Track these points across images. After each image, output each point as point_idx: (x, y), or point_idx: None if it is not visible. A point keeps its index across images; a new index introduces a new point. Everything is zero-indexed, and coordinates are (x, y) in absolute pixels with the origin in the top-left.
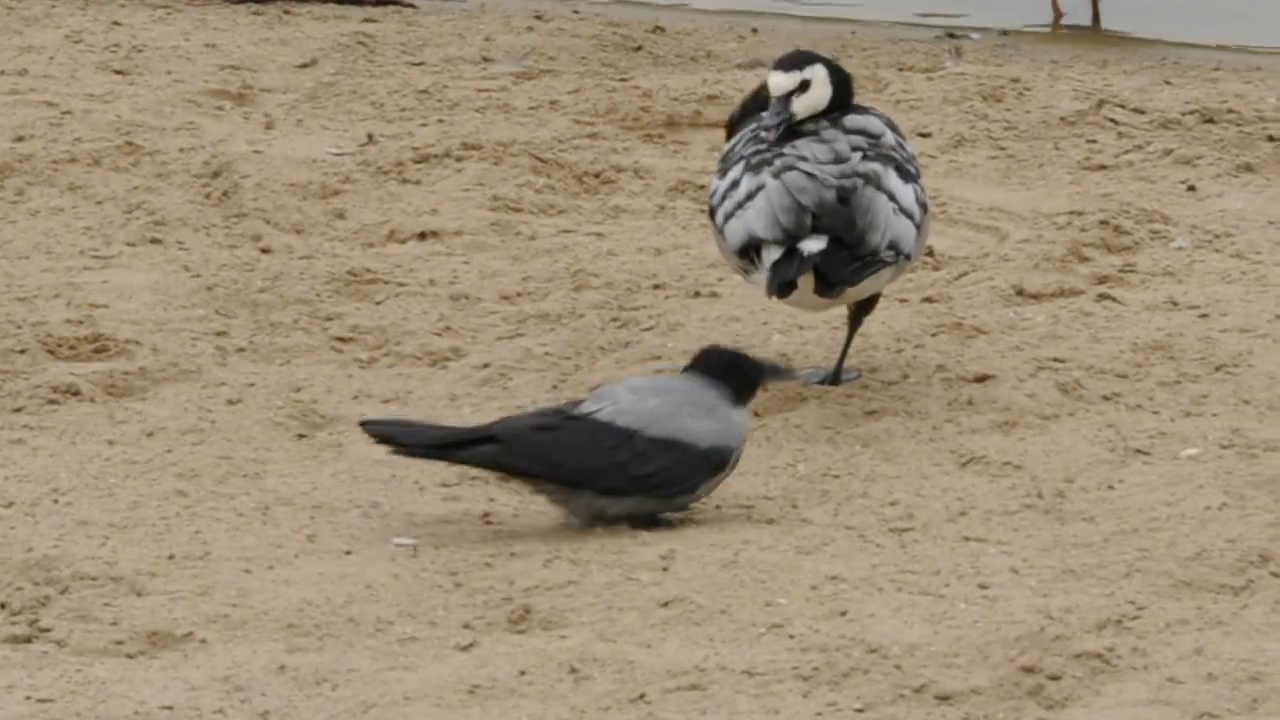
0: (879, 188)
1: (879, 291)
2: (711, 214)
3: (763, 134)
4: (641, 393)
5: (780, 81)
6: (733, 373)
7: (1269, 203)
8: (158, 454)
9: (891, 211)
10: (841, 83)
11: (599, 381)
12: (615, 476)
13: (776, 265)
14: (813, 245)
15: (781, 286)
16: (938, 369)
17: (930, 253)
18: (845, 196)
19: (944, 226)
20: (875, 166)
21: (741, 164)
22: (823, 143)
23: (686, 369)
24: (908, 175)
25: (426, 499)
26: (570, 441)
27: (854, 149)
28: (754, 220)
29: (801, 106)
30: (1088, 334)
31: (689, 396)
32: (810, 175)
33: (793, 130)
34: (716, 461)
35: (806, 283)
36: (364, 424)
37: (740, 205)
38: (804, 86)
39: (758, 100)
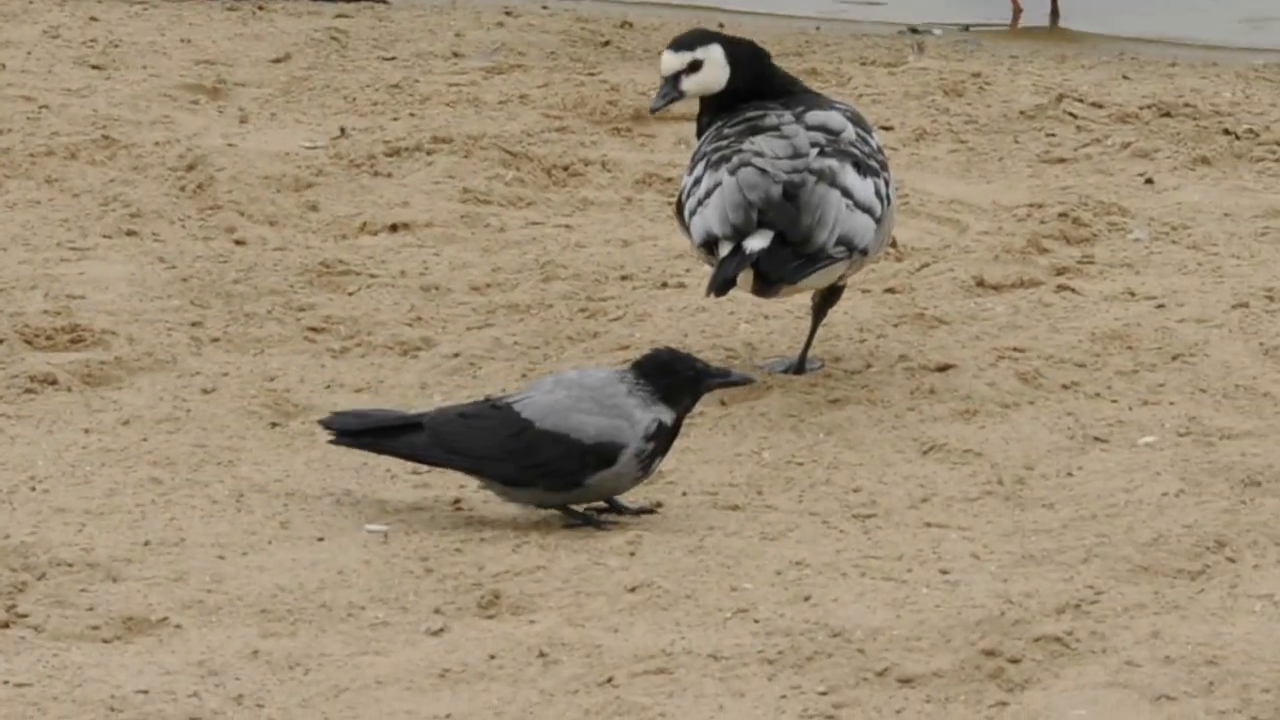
0: (833, 184)
1: (841, 284)
2: (680, 209)
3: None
4: (559, 385)
5: (668, 61)
6: (662, 374)
7: (1225, 195)
8: (133, 442)
9: (845, 207)
10: (745, 61)
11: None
12: (507, 466)
13: (722, 262)
14: (756, 243)
15: (722, 284)
16: (900, 358)
17: (893, 244)
18: (793, 192)
19: (906, 218)
20: (831, 163)
21: (704, 161)
22: (783, 138)
23: (632, 365)
24: (868, 170)
25: (398, 486)
26: (479, 429)
27: (812, 145)
28: (711, 217)
29: (692, 85)
30: (1047, 324)
31: (596, 392)
32: (763, 171)
33: (755, 127)
34: (602, 456)
35: (747, 279)
36: (322, 422)
37: (701, 202)
38: (694, 66)
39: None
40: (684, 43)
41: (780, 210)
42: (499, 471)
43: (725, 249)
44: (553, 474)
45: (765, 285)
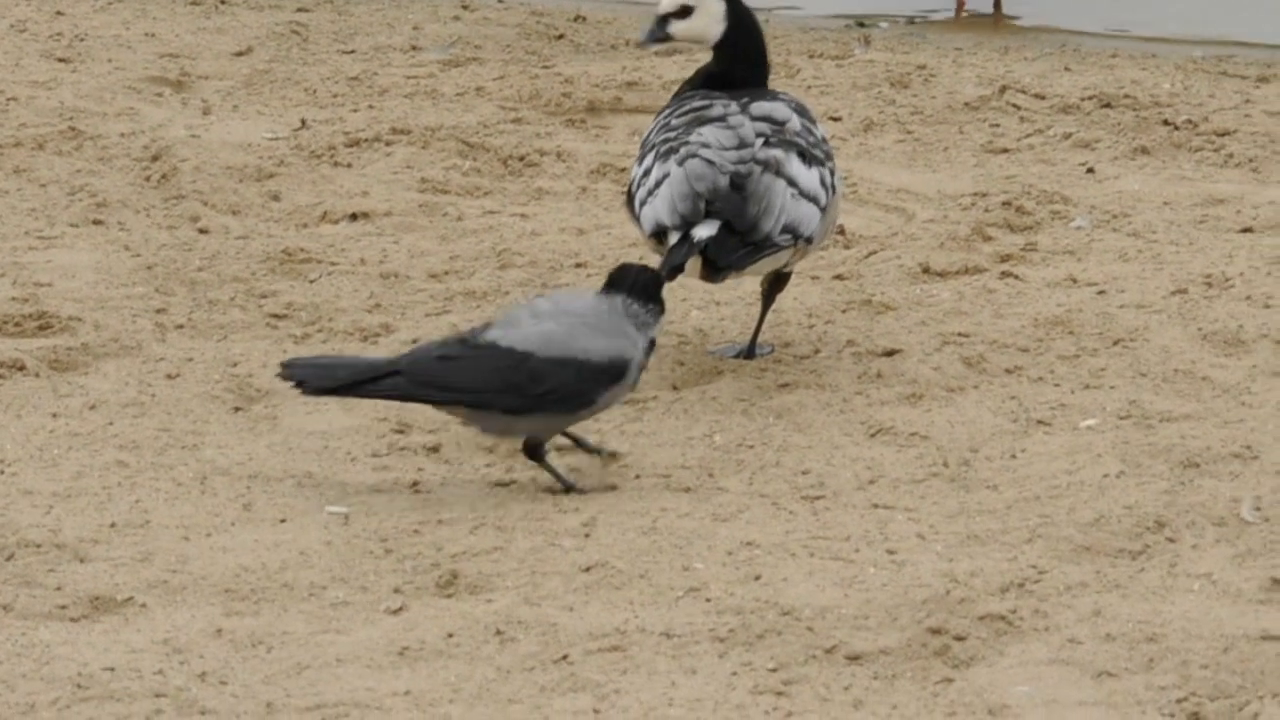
0: (778, 173)
1: (787, 270)
2: (630, 200)
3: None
4: (542, 315)
5: (662, 2)
6: (649, 296)
7: (1164, 184)
8: (100, 426)
9: (790, 196)
10: (746, 29)
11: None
12: (509, 397)
13: (671, 250)
14: (703, 231)
15: (671, 270)
16: (848, 343)
17: (841, 232)
18: (740, 182)
19: (854, 207)
20: (776, 153)
21: (653, 152)
22: (729, 129)
23: (615, 287)
24: (813, 159)
25: (358, 469)
26: (469, 367)
27: (758, 135)
28: (660, 207)
29: (680, 30)
30: (991, 310)
31: (588, 317)
32: (709, 162)
33: (701, 118)
34: (613, 374)
35: (695, 266)
36: (284, 364)
37: (651, 192)
38: (684, 12)
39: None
40: None
41: (727, 200)
42: (502, 402)
43: (674, 238)
44: (564, 399)
45: (713, 272)
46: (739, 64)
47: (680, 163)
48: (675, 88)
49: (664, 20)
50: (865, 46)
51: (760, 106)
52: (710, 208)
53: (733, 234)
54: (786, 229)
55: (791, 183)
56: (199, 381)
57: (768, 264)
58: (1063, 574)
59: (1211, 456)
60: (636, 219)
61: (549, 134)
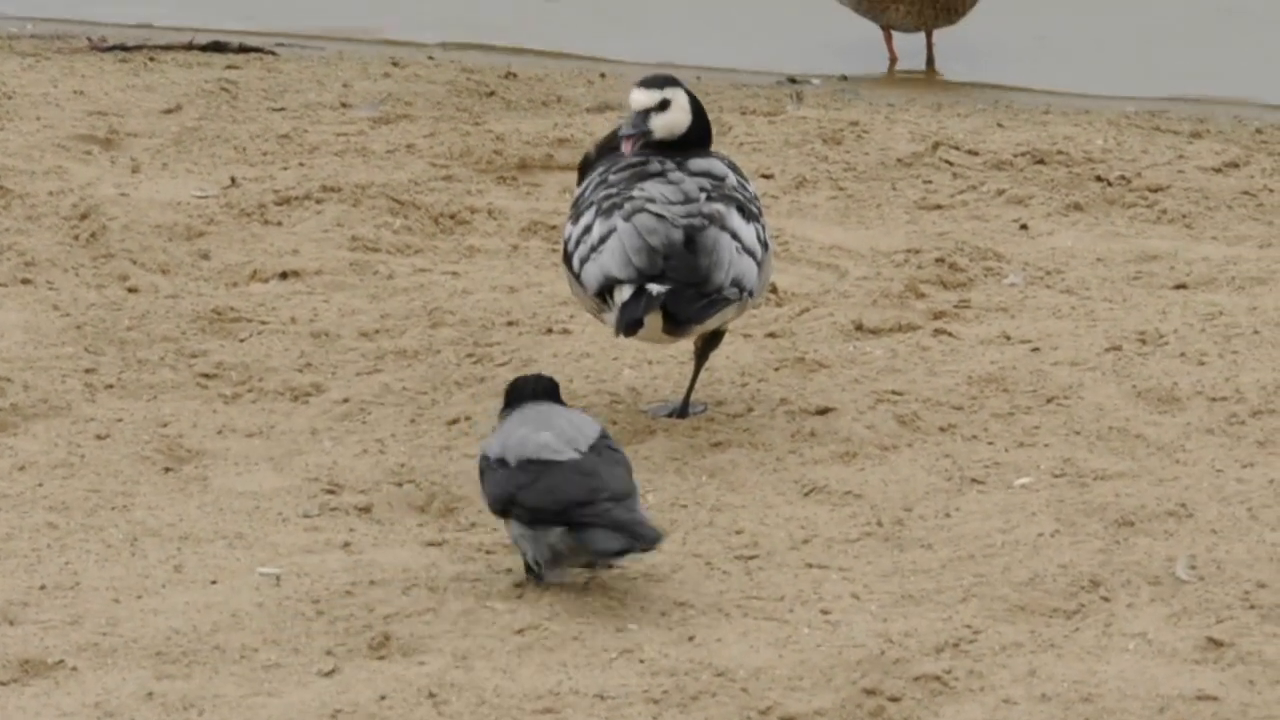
0: (723, 227)
1: (724, 328)
2: (567, 259)
3: (621, 145)
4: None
5: (641, 98)
6: (541, 395)
7: (1097, 240)
8: (29, 487)
9: (735, 250)
10: (700, 113)
11: (456, 416)
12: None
13: (625, 305)
14: (657, 286)
15: (630, 325)
16: (781, 402)
17: (773, 289)
18: (693, 235)
19: (786, 264)
20: (719, 207)
21: (593, 209)
22: (670, 184)
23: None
24: (750, 215)
25: (289, 529)
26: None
27: (700, 190)
28: (609, 262)
29: (659, 125)
30: (925, 367)
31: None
32: (659, 216)
33: (641, 174)
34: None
35: (655, 321)
36: None
37: (594, 249)
38: (663, 105)
39: (610, 144)
40: (653, 81)
41: (681, 256)
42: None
43: (626, 292)
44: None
45: (675, 325)
46: (694, 142)
47: (626, 217)
48: None
49: (645, 115)
50: (798, 103)
51: (697, 163)
52: (666, 264)
53: (689, 286)
54: (734, 282)
55: (735, 236)
56: (129, 442)
57: (718, 318)
58: (998, 634)
59: (1146, 515)
60: (576, 276)
61: (480, 191)
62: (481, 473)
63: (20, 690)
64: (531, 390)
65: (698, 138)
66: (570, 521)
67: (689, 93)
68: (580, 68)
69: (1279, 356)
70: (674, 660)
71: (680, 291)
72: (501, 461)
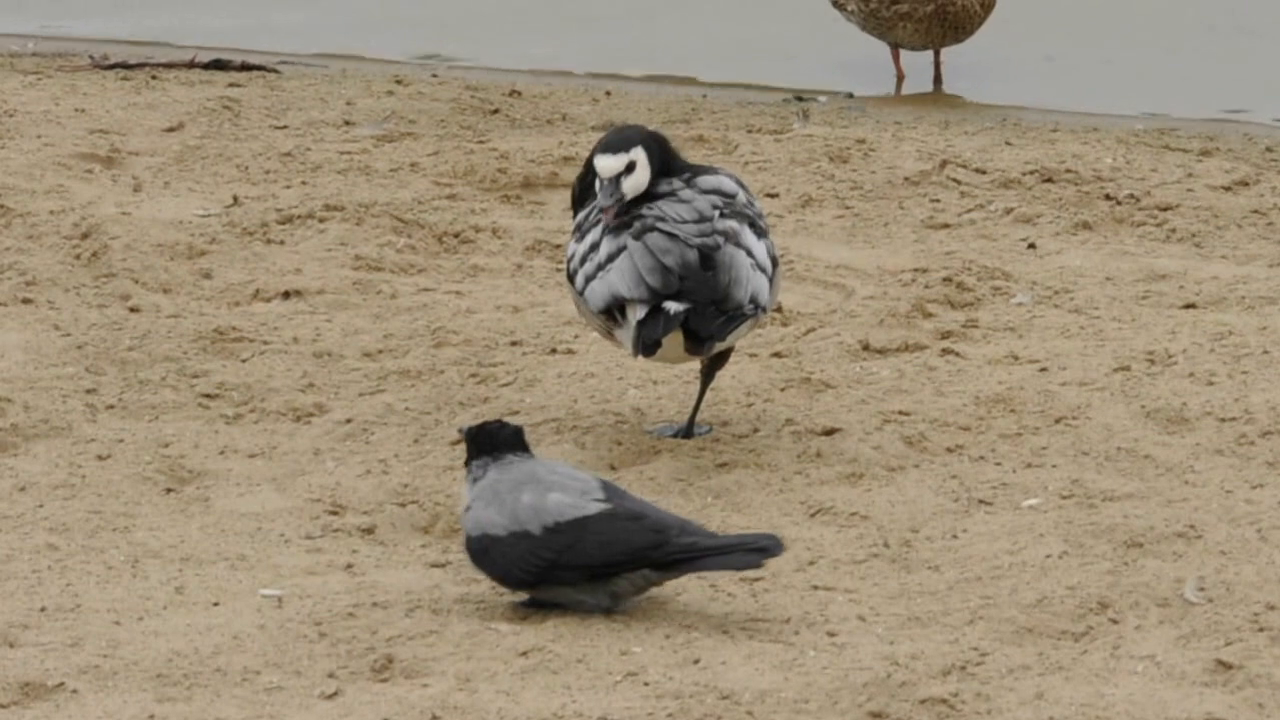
0: (738, 244)
1: (733, 346)
2: (570, 277)
3: (602, 217)
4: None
5: (609, 164)
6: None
7: (1106, 259)
8: (29, 508)
9: (750, 267)
10: (657, 155)
11: (460, 437)
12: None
13: (642, 324)
14: (677, 304)
15: (648, 346)
16: (787, 422)
17: (779, 309)
18: (709, 254)
19: (792, 284)
20: (733, 224)
21: (599, 227)
22: (682, 202)
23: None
24: (760, 232)
25: (292, 551)
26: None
27: (713, 207)
28: (617, 281)
29: (629, 187)
30: (932, 388)
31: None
32: (672, 235)
33: (649, 193)
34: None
35: (674, 340)
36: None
37: (601, 267)
38: (630, 168)
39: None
40: (616, 145)
41: (697, 275)
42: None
43: (640, 311)
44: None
45: (696, 343)
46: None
47: (637, 236)
48: None
49: (617, 181)
50: (804, 121)
51: (706, 180)
52: (682, 284)
53: (709, 304)
54: (752, 298)
55: (749, 253)
56: (130, 463)
57: (735, 336)
58: (1005, 656)
59: (1155, 536)
60: (580, 295)
61: (484, 210)
62: (484, 551)
63: (20, 714)
64: (501, 441)
65: (662, 172)
66: (651, 565)
67: (644, 139)
68: (585, 85)
69: None
70: (678, 683)
71: (701, 309)
72: (522, 535)
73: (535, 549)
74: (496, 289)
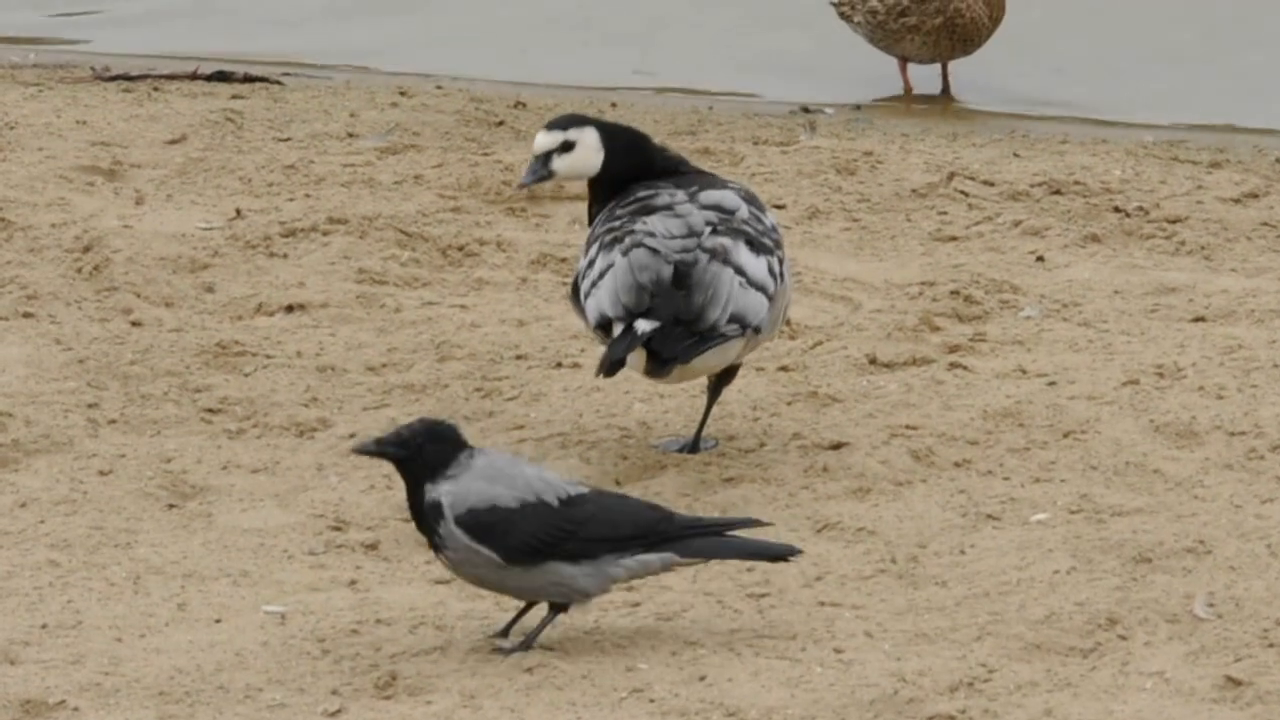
0: (725, 261)
1: (735, 363)
2: (575, 292)
3: (602, 233)
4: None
5: (540, 140)
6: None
7: (1115, 272)
8: (31, 524)
9: (738, 285)
10: (622, 147)
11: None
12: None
13: (612, 344)
14: (646, 323)
15: (611, 365)
16: (794, 436)
17: (786, 322)
18: (684, 270)
19: (799, 296)
20: (724, 241)
21: (597, 243)
22: (677, 217)
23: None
24: (761, 248)
25: (295, 567)
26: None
27: (707, 223)
28: (604, 298)
29: (563, 165)
30: (939, 402)
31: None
32: (654, 252)
33: (647, 207)
34: None
35: (639, 360)
36: None
37: (595, 283)
38: (566, 147)
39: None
40: (558, 123)
41: (667, 294)
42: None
43: (618, 329)
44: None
45: (657, 365)
46: (625, 176)
47: (624, 252)
48: None
49: (546, 158)
50: (811, 133)
51: (709, 195)
52: (652, 302)
53: (678, 324)
54: (734, 318)
55: (739, 271)
56: (132, 478)
57: (715, 356)
58: (1013, 672)
59: (1164, 551)
60: (582, 311)
61: (489, 223)
62: (490, 523)
63: None
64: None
65: (630, 172)
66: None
67: (604, 127)
68: (590, 97)
69: None
70: (684, 700)
71: (667, 329)
72: (536, 504)
73: (554, 519)
74: (501, 302)
